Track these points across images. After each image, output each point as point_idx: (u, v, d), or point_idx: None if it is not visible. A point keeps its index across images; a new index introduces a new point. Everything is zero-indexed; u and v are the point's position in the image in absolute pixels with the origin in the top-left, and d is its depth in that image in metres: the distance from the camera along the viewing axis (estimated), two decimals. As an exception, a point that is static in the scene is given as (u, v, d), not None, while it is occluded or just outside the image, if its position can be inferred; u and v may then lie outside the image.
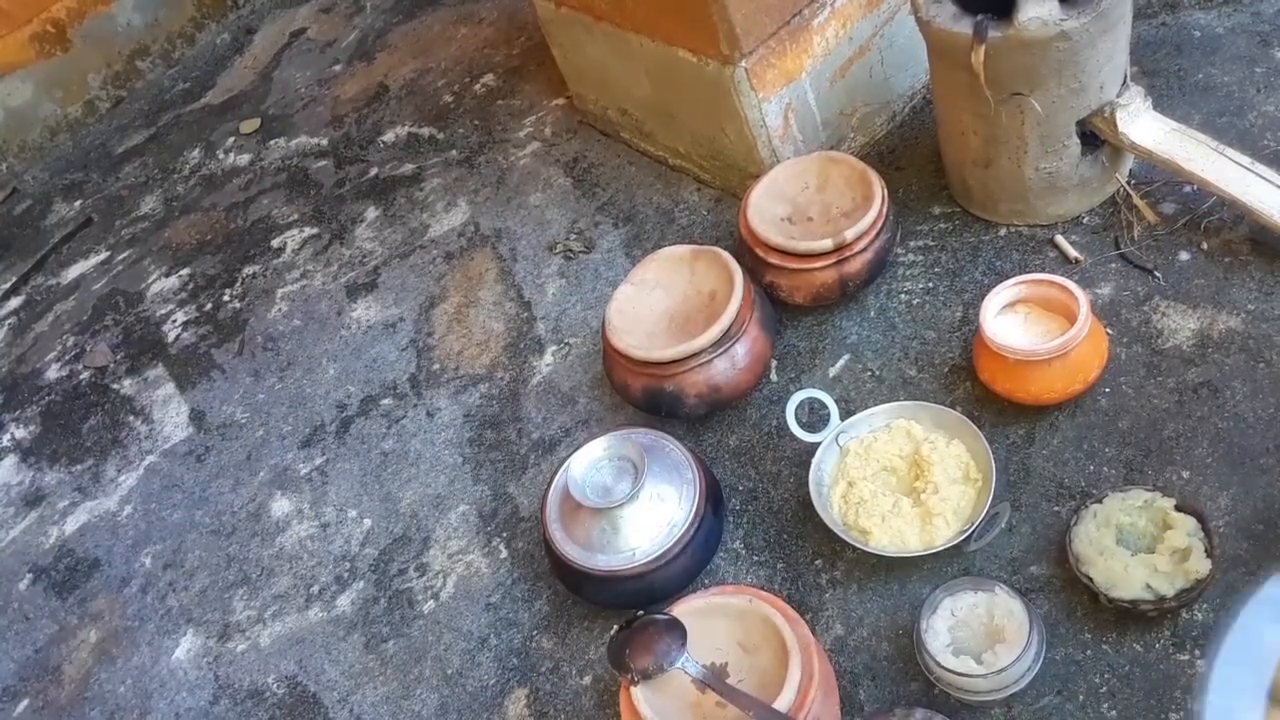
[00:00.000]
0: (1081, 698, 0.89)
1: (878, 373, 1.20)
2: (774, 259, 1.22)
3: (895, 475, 1.06)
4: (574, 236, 1.56)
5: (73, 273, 1.99)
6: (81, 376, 1.74)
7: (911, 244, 1.30)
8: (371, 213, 1.78)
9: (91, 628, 1.35)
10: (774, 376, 1.25)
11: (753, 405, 1.23)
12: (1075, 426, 1.06)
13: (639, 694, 0.88)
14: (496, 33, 2.07)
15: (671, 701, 0.90)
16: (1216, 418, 1.02)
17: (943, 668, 0.89)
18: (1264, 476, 0.97)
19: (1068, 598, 0.95)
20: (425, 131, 1.91)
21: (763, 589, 0.99)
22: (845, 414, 1.11)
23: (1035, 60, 1.07)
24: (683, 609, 0.93)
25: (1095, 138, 1.17)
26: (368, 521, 1.32)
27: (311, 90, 2.19)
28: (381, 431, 1.41)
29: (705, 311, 1.20)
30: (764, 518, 1.12)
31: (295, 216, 1.86)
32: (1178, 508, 0.92)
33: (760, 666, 0.92)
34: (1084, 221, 1.24)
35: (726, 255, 1.21)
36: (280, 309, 1.68)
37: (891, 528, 1.01)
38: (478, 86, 1.95)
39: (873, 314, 1.26)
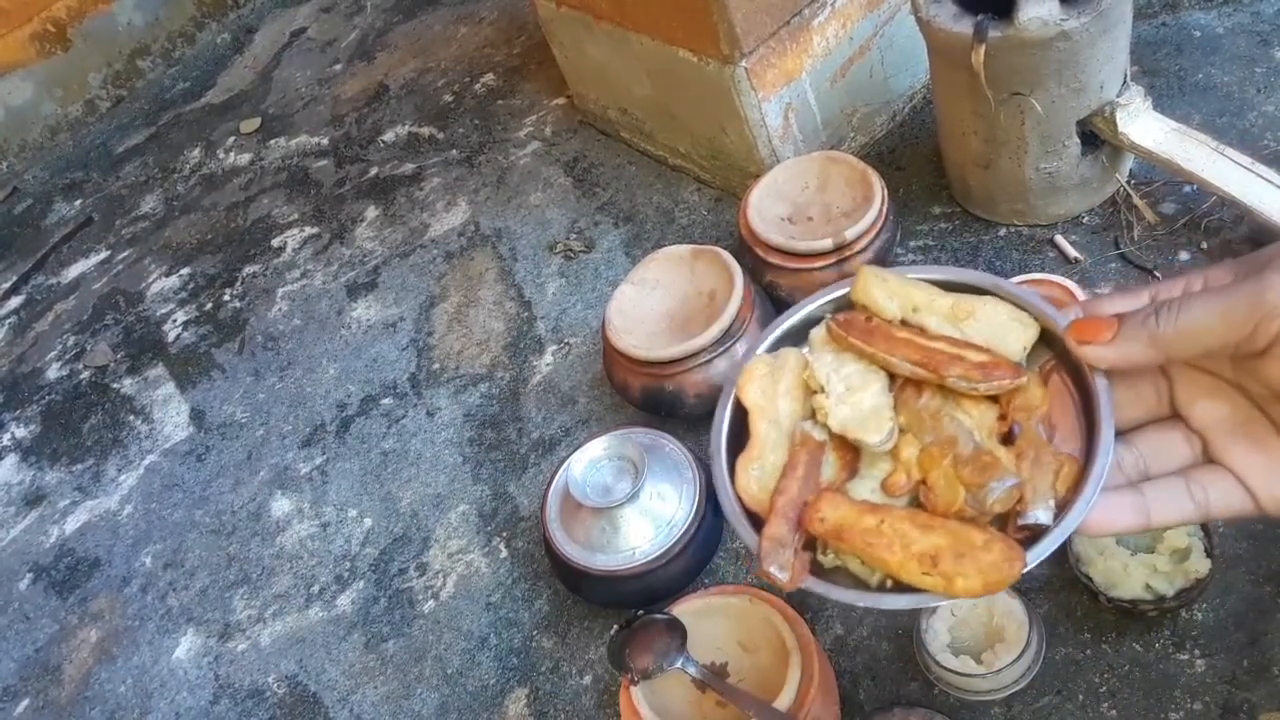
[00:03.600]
0: (1081, 697, 0.89)
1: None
2: (774, 259, 1.22)
3: None
4: (574, 236, 1.56)
5: (73, 272, 1.99)
6: (82, 376, 1.74)
7: (911, 244, 1.31)
8: (371, 212, 1.79)
9: (92, 627, 1.35)
10: (774, 376, 1.25)
11: (753, 405, 1.23)
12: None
13: (639, 694, 0.88)
14: (497, 32, 2.07)
15: (671, 701, 0.90)
16: (1216, 418, 1.02)
17: (942, 667, 0.89)
18: None
19: (1067, 597, 0.95)
20: (425, 131, 1.91)
21: (763, 589, 0.99)
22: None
23: (1035, 60, 1.07)
24: (682, 609, 0.93)
25: (1095, 138, 1.17)
26: (368, 521, 1.32)
27: (312, 90, 2.19)
28: (382, 431, 1.42)
29: (705, 311, 1.20)
30: (764, 517, 1.12)
31: (295, 216, 1.86)
32: (1177, 508, 0.92)
33: (760, 666, 0.92)
34: (1084, 221, 1.24)
35: (727, 255, 1.21)
36: (280, 308, 1.68)
37: None
38: (478, 86, 1.95)
39: (873, 314, 1.26)
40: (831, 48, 1.36)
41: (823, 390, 0.51)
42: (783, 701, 0.83)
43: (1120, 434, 0.49)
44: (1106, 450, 0.47)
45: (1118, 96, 1.13)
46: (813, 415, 0.52)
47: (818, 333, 0.55)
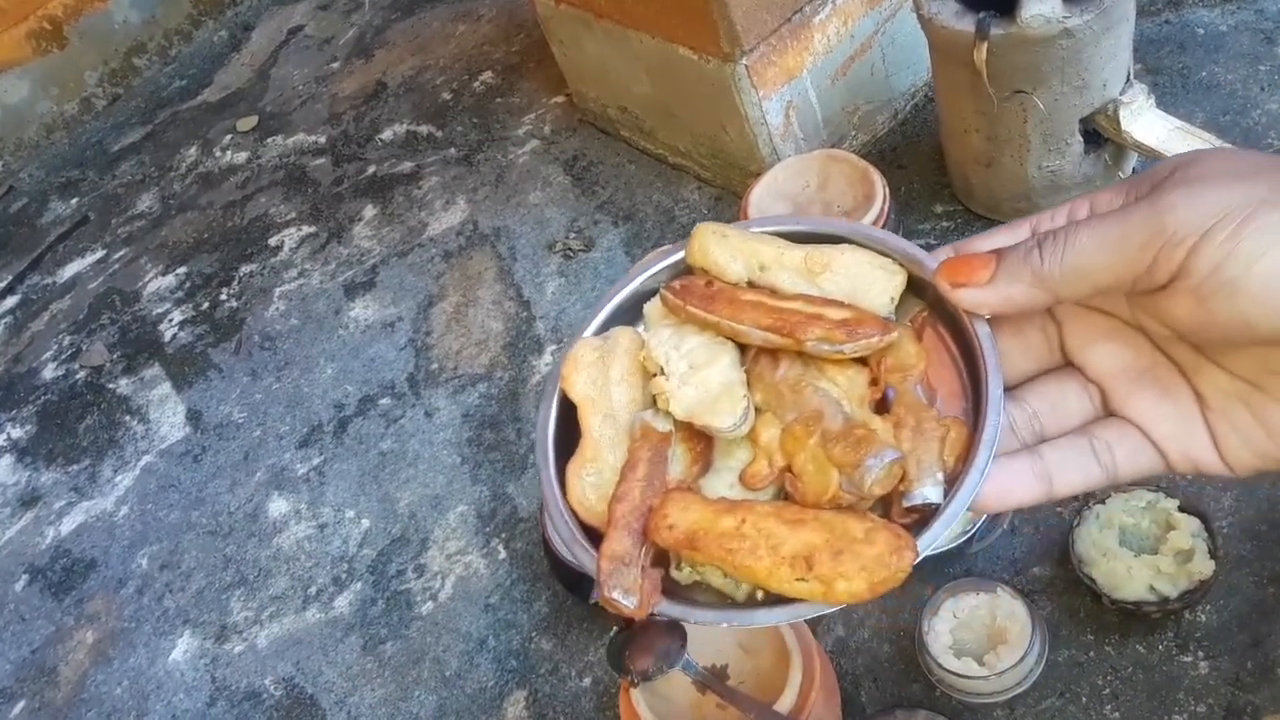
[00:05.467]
0: (1084, 699, 0.89)
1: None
2: (774, 258, 1.21)
3: None
4: (573, 235, 1.55)
5: (69, 271, 1.98)
6: (78, 376, 1.73)
7: (913, 242, 1.30)
8: (369, 211, 1.78)
9: (88, 629, 1.35)
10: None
11: (753, 405, 1.22)
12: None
13: (639, 696, 0.87)
14: (496, 30, 2.07)
15: (672, 703, 0.89)
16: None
17: (944, 669, 0.88)
18: (1267, 477, 0.96)
19: (1070, 599, 0.94)
20: (424, 129, 1.90)
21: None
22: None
23: (1038, 58, 1.07)
24: (683, 610, 0.92)
25: (1098, 136, 1.16)
26: (366, 522, 1.31)
27: (309, 88, 2.18)
28: (379, 431, 1.41)
29: (705, 310, 1.19)
30: (764, 518, 1.11)
31: (293, 215, 1.85)
32: (1181, 508, 0.92)
33: (761, 668, 0.91)
34: (1086, 220, 1.23)
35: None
36: (278, 308, 1.68)
37: None
38: (477, 84, 1.94)
39: (874, 313, 1.25)
40: (833, 45, 1.35)
41: (662, 372, 0.43)
42: (784, 704, 0.82)
43: (1009, 389, 0.42)
44: (997, 409, 0.40)
45: (1121, 94, 1.13)
46: (654, 403, 0.44)
47: (652, 306, 0.47)
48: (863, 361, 0.43)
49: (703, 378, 0.43)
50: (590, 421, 0.45)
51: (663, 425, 0.43)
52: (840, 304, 0.43)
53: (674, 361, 0.44)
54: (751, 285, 0.45)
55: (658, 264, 0.48)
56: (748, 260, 0.46)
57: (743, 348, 0.44)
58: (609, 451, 0.44)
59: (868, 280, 0.44)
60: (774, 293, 0.45)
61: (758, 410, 0.43)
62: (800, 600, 0.38)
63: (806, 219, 0.49)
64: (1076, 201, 0.42)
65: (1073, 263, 0.38)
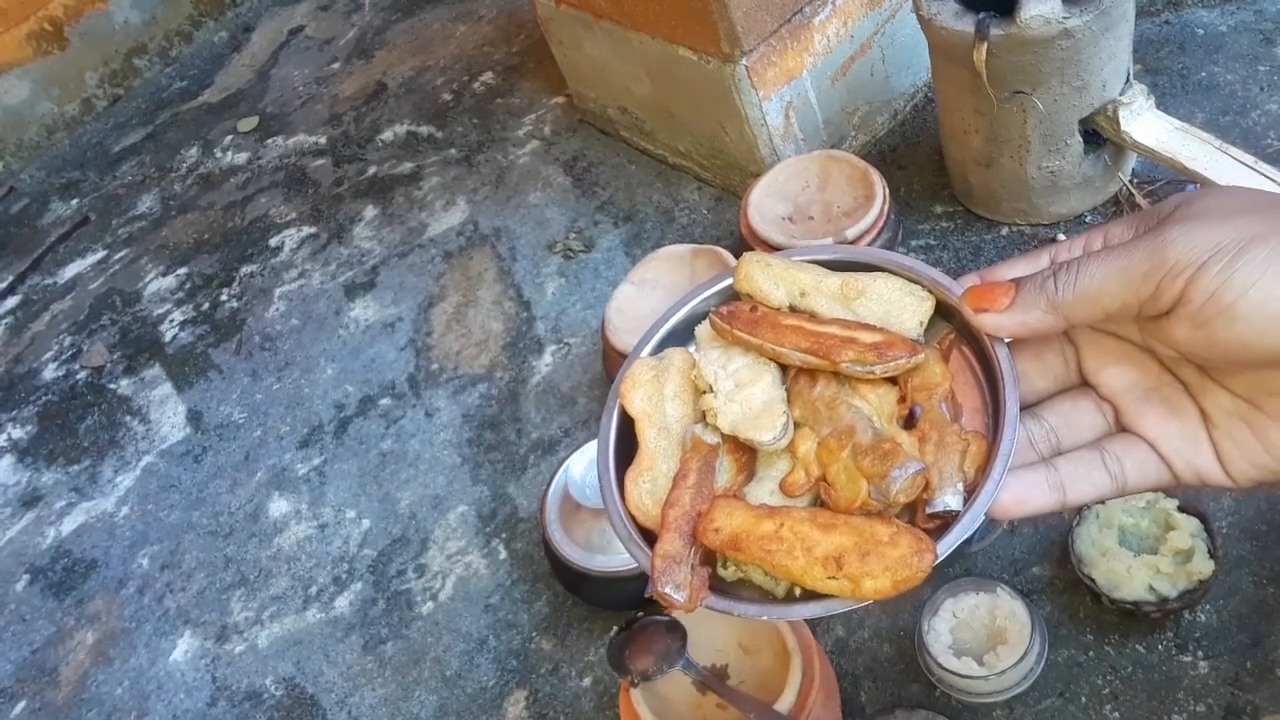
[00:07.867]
0: (1084, 699, 0.89)
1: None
2: (774, 258, 1.21)
3: None
4: (573, 235, 1.55)
5: (70, 272, 1.99)
6: (78, 376, 1.73)
7: (913, 243, 1.30)
8: (370, 212, 1.78)
9: (89, 629, 1.35)
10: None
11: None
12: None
13: (639, 696, 0.87)
14: (496, 30, 2.07)
15: (671, 704, 0.89)
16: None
17: (944, 669, 0.88)
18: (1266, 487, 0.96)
19: (1070, 599, 0.94)
20: (424, 130, 1.90)
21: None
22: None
23: (1038, 58, 1.07)
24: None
25: (1098, 136, 1.16)
26: (366, 522, 1.31)
27: (310, 88, 2.18)
28: (380, 432, 1.41)
29: (705, 311, 1.19)
30: (764, 518, 1.12)
31: (293, 215, 1.86)
32: (1180, 508, 0.92)
33: (761, 668, 0.91)
34: (1087, 220, 1.24)
35: (727, 254, 1.20)
36: (278, 308, 1.68)
37: None
38: (477, 85, 1.94)
39: (874, 313, 1.25)
40: (833, 46, 1.35)
41: (711, 389, 0.48)
42: (783, 704, 0.82)
43: (1029, 406, 0.46)
44: (1012, 425, 0.44)
45: (1120, 95, 1.13)
46: (703, 418, 0.49)
47: (703, 329, 0.52)
48: (893, 380, 0.47)
49: (747, 395, 0.48)
50: (646, 434, 0.49)
51: (711, 438, 0.48)
52: (872, 328, 0.48)
53: (721, 380, 0.49)
54: (792, 309, 0.50)
55: (708, 289, 0.53)
56: (789, 287, 0.51)
57: (784, 368, 0.49)
58: (663, 461, 0.49)
59: (899, 306, 0.49)
60: (812, 317, 0.49)
61: (796, 425, 0.47)
62: (831, 596, 0.43)
63: (843, 248, 0.54)
64: (1092, 233, 0.46)
65: (1083, 291, 0.42)
